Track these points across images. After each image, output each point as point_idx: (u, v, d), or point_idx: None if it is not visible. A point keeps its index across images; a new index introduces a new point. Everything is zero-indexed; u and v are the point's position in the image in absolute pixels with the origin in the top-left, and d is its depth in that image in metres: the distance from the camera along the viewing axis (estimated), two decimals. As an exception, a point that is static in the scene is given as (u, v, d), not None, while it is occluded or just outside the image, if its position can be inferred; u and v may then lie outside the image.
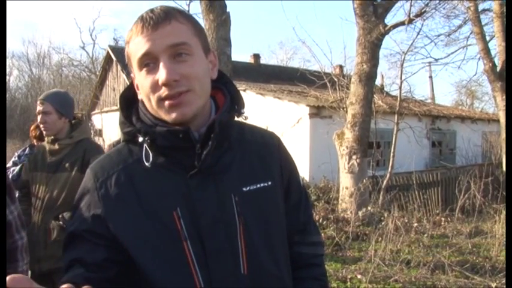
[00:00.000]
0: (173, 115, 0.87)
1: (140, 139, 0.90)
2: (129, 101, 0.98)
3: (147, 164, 0.89)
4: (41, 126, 2.39)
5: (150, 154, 0.89)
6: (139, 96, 0.95)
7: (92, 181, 0.92)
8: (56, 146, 2.38)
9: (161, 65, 0.85)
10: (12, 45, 56.08)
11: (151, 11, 0.89)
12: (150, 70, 0.87)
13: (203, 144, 0.89)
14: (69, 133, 2.41)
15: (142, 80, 0.88)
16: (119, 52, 17.38)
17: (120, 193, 0.89)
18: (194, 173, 0.89)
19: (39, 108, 2.38)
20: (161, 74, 0.84)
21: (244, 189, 0.93)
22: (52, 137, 2.40)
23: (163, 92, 0.86)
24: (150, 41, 0.85)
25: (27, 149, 3.63)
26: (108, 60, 18.92)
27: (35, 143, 3.58)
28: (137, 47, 0.87)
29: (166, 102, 0.86)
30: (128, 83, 1.01)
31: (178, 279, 0.85)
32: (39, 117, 2.37)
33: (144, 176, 0.90)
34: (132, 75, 0.95)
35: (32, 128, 3.60)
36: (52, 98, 2.40)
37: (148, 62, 0.86)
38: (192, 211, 0.87)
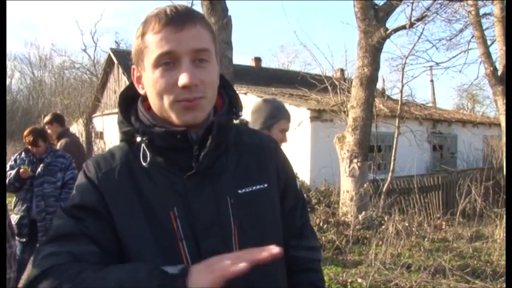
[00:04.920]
0: (186, 117, 0.87)
1: (138, 139, 0.89)
2: (128, 101, 0.97)
3: (144, 164, 0.88)
4: None
5: (148, 154, 0.88)
6: (142, 92, 0.93)
7: (93, 171, 0.91)
8: None
9: (184, 67, 0.84)
10: (14, 47, 56.32)
11: (175, 8, 0.86)
12: (168, 70, 0.85)
13: (201, 145, 0.89)
14: None
15: (155, 78, 0.86)
16: (120, 55, 17.42)
17: (122, 187, 0.89)
18: (191, 174, 0.89)
19: None
20: (184, 77, 0.83)
21: (239, 191, 0.93)
22: None
23: (181, 94, 0.85)
24: (175, 41, 0.83)
25: (23, 153, 3.63)
26: (109, 62, 18.93)
27: (30, 148, 3.58)
28: (157, 43, 0.84)
29: (182, 104, 0.86)
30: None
31: None
32: None
33: (143, 175, 0.90)
34: (134, 66, 0.93)
35: (26, 133, 3.58)
36: None
37: (168, 61, 0.84)
38: (188, 212, 0.87)
